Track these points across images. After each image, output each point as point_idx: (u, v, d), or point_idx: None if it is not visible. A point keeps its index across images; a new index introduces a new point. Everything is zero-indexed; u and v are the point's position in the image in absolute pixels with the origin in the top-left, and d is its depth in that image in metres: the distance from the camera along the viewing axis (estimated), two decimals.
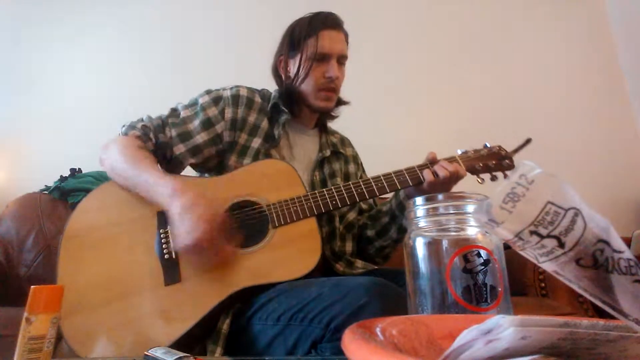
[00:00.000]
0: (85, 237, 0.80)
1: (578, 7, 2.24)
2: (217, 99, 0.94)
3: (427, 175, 0.86)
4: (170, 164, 0.92)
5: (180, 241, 0.72)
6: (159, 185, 0.77)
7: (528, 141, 0.94)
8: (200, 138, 0.91)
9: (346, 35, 1.00)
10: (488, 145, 0.96)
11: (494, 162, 0.93)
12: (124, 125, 0.92)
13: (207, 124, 0.92)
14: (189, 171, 0.98)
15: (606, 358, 0.23)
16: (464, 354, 0.21)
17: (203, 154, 0.92)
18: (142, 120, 0.92)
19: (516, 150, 0.96)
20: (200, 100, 0.94)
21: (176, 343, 0.70)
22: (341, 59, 0.98)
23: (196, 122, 0.92)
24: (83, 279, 0.76)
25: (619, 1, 2.21)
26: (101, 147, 0.88)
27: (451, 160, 0.91)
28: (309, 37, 0.95)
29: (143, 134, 0.88)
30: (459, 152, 0.95)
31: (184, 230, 0.71)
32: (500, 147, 0.96)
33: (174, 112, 0.94)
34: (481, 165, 0.92)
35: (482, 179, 0.94)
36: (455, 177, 0.86)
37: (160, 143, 0.90)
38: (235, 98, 0.95)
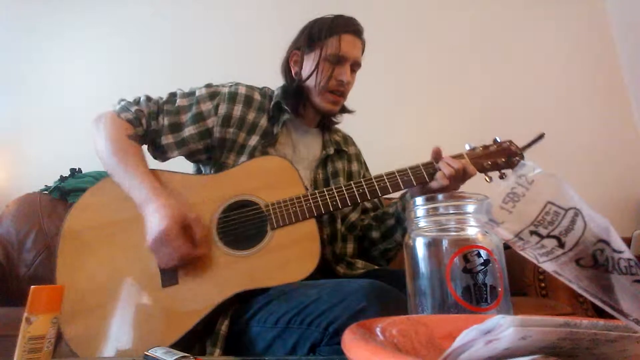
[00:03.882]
0: (83, 237, 0.79)
1: (578, 7, 2.24)
2: (213, 94, 0.94)
3: (438, 175, 0.83)
4: (157, 150, 0.94)
5: (147, 238, 0.74)
6: (137, 189, 0.79)
7: (541, 136, 0.86)
8: (188, 132, 0.91)
9: (363, 44, 0.99)
10: (498, 140, 0.89)
11: (503, 159, 0.87)
12: (122, 100, 0.93)
13: (198, 118, 0.92)
14: (185, 164, 0.98)
15: (606, 358, 0.23)
16: (464, 354, 0.21)
17: (189, 147, 0.92)
18: (138, 102, 0.93)
19: (528, 146, 0.88)
20: (197, 93, 0.95)
21: (173, 345, 0.69)
22: (355, 66, 0.97)
23: (189, 115, 0.92)
24: (82, 281, 0.76)
25: (619, 1, 2.21)
26: (94, 119, 0.90)
27: (458, 157, 0.87)
28: (330, 36, 0.93)
29: (135, 118, 0.89)
30: (467, 147, 0.90)
31: (150, 226, 0.74)
32: (511, 142, 0.89)
33: (172, 97, 0.95)
34: (489, 163, 0.87)
35: (490, 177, 0.88)
36: (462, 175, 0.83)
37: (151, 130, 0.91)
38: (233, 95, 0.94)
